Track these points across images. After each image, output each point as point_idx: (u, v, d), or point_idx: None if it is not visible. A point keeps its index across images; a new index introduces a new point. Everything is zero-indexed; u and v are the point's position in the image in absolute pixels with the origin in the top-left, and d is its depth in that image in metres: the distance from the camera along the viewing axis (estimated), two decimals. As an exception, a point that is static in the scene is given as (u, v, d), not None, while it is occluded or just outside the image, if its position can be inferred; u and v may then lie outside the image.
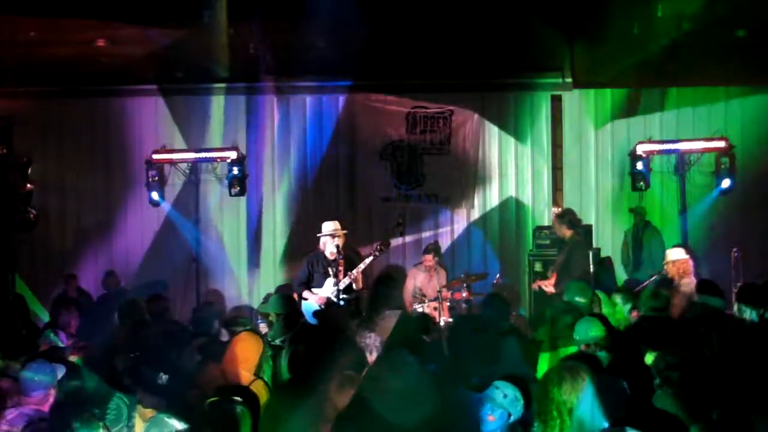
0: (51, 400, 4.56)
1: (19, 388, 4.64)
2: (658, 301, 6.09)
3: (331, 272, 8.63)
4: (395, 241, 11.11)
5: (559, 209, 11.26)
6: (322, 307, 8.35)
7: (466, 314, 9.33)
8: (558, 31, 10.16)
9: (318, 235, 8.92)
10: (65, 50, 10.15)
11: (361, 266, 8.62)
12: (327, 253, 8.70)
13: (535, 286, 9.56)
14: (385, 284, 7.33)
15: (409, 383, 3.59)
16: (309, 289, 8.70)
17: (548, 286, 9.03)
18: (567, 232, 8.98)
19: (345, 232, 8.91)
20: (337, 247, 8.59)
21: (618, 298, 7.07)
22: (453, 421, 4.06)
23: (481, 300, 9.35)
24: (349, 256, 8.74)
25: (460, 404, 4.23)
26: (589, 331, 4.92)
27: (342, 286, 8.48)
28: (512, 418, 4.02)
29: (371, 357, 4.92)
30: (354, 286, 8.66)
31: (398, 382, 3.56)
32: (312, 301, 8.58)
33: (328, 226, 8.86)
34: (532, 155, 11.88)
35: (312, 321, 7.69)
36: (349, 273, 8.54)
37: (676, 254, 8.47)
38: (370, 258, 8.75)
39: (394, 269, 10.62)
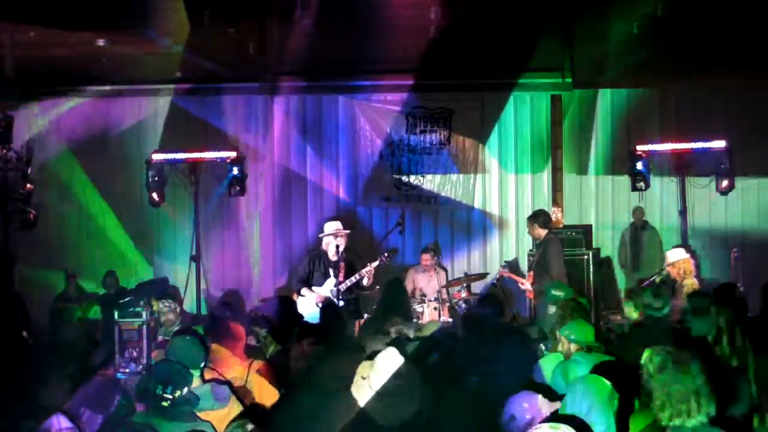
0: None
1: None
2: (657, 302, 6.12)
3: (331, 273, 8.62)
4: (395, 242, 11.11)
5: (558, 209, 11.29)
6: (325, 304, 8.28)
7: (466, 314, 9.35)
8: (558, 31, 10.17)
9: (320, 235, 8.92)
10: (65, 50, 10.15)
11: (370, 267, 8.54)
12: (329, 254, 8.68)
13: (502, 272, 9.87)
14: (396, 288, 7.25)
15: (398, 384, 3.61)
16: (308, 286, 8.68)
17: (524, 284, 9.25)
18: (541, 232, 9.00)
19: (347, 232, 8.90)
20: (337, 247, 8.58)
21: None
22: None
23: (476, 300, 9.47)
24: (350, 260, 8.71)
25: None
26: (587, 335, 5.08)
27: (343, 287, 8.47)
28: None
29: None
30: (365, 282, 8.60)
31: (387, 383, 3.59)
32: (309, 298, 8.53)
33: (331, 226, 8.82)
34: (532, 155, 11.88)
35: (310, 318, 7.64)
36: (360, 271, 8.50)
37: (676, 255, 8.39)
38: (377, 262, 8.69)
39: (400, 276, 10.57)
